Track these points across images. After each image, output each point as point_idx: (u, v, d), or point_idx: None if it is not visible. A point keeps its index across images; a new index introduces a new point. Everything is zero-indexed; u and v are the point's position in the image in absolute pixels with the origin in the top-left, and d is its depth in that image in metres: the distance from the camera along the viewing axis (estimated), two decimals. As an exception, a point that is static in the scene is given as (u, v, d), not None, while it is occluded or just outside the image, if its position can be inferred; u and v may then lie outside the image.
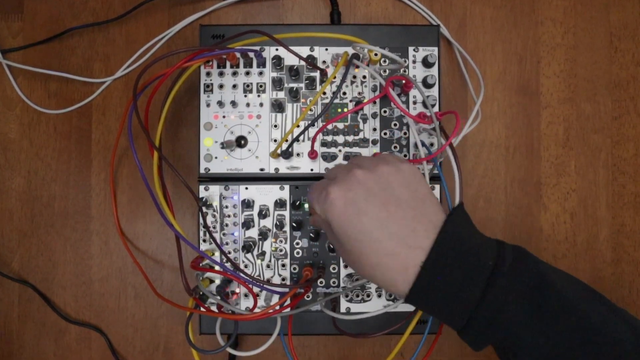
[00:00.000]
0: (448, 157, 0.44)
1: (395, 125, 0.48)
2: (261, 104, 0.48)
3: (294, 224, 0.48)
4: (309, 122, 0.47)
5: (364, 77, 0.48)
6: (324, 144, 0.48)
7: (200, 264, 0.46)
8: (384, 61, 0.48)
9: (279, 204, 0.48)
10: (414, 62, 0.49)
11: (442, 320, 0.37)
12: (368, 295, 0.48)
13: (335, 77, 0.47)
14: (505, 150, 0.55)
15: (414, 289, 0.35)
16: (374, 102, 0.48)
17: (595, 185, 0.55)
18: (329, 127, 0.48)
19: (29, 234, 0.56)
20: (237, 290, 0.48)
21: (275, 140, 0.48)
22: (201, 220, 0.46)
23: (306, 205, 0.48)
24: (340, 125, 0.48)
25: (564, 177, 0.55)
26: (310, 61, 0.48)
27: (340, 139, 0.48)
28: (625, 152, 0.56)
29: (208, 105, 0.48)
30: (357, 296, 0.48)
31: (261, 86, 0.48)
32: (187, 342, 0.44)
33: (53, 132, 0.56)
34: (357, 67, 0.48)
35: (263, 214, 0.48)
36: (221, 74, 0.48)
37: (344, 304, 0.48)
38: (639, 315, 0.44)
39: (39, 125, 0.56)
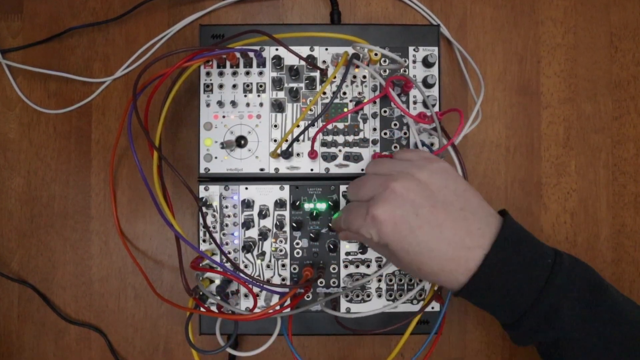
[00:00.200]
0: (449, 156, 0.44)
1: (395, 125, 0.48)
2: (261, 104, 0.48)
3: (294, 224, 0.47)
4: (309, 122, 0.47)
5: (364, 77, 0.48)
6: (324, 143, 0.48)
7: (200, 264, 0.45)
8: (384, 61, 0.48)
9: (279, 204, 0.48)
10: (414, 62, 0.49)
11: (493, 313, 0.38)
12: (368, 296, 0.48)
13: (335, 77, 0.47)
14: (506, 150, 0.55)
15: (472, 283, 0.35)
16: (374, 102, 0.48)
17: (595, 185, 0.55)
18: (329, 127, 0.48)
19: (29, 234, 0.55)
20: (237, 290, 0.48)
21: (275, 140, 0.48)
22: (201, 221, 0.46)
23: (307, 205, 0.48)
24: (340, 125, 0.48)
25: (565, 177, 0.55)
26: (310, 61, 0.48)
27: (340, 139, 0.48)
28: (625, 152, 0.55)
29: (208, 105, 0.48)
30: (357, 296, 0.48)
31: (261, 86, 0.48)
32: (187, 343, 0.44)
33: (53, 132, 0.56)
34: (357, 67, 0.48)
35: (263, 214, 0.48)
36: (221, 74, 0.48)
37: (344, 304, 0.48)
38: None
39: (38, 125, 0.56)
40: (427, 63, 0.48)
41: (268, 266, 0.48)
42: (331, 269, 0.48)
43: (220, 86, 0.48)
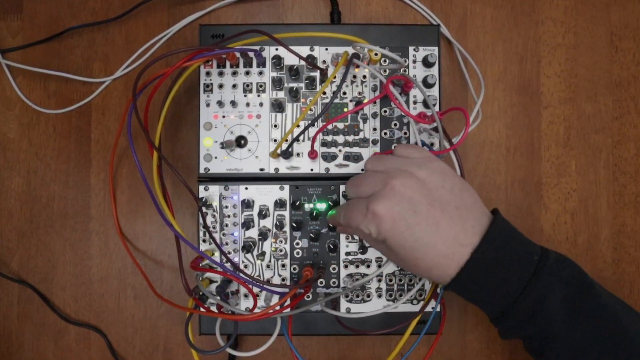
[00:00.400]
0: (448, 155, 0.44)
1: (395, 125, 0.48)
2: (261, 104, 0.48)
3: (293, 224, 0.47)
4: (309, 122, 0.47)
5: (364, 76, 0.48)
6: (324, 143, 0.48)
7: (200, 264, 0.45)
8: (384, 61, 0.48)
9: (279, 204, 0.48)
10: (414, 61, 0.49)
11: (481, 306, 0.40)
12: (368, 296, 0.48)
13: (335, 77, 0.47)
14: (506, 150, 0.55)
15: (461, 276, 0.36)
16: (374, 102, 0.48)
17: (596, 185, 0.55)
18: (329, 127, 0.48)
19: (28, 234, 0.55)
20: (237, 290, 0.48)
21: (275, 140, 0.48)
22: (201, 221, 0.46)
23: (307, 205, 0.48)
24: (340, 125, 0.48)
25: (565, 177, 0.55)
26: (310, 61, 0.48)
27: (340, 138, 0.48)
28: (626, 152, 0.55)
29: (208, 105, 0.48)
30: (357, 296, 0.48)
31: (261, 86, 0.48)
32: (186, 343, 0.44)
33: (52, 132, 0.56)
34: (357, 66, 0.47)
35: (263, 214, 0.48)
36: (221, 74, 0.48)
37: (344, 304, 0.48)
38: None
39: (38, 125, 0.56)
40: (427, 63, 0.48)
41: (268, 266, 0.48)
42: (331, 269, 0.48)
43: (220, 86, 0.48)
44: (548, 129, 0.55)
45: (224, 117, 0.48)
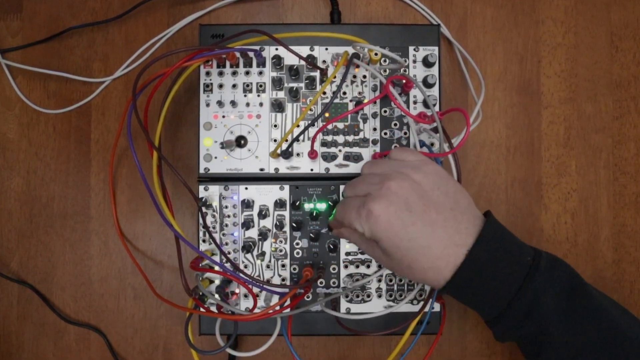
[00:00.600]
0: (447, 159, 0.44)
1: (395, 125, 0.48)
2: (261, 104, 0.48)
3: (293, 224, 0.47)
4: (309, 122, 0.47)
5: (364, 76, 0.48)
6: (324, 143, 0.48)
7: (200, 265, 0.45)
8: (384, 61, 0.48)
9: (279, 204, 0.48)
10: (415, 61, 0.48)
11: (475, 308, 0.40)
12: (368, 296, 0.48)
13: (335, 77, 0.47)
14: (506, 150, 0.55)
15: (455, 279, 0.36)
16: (374, 102, 0.48)
17: (596, 186, 0.55)
18: (329, 127, 0.48)
19: (28, 235, 0.55)
20: (237, 291, 0.48)
21: (275, 140, 0.48)
22: (201, 221, 0.46)
23: (307, 205, 0.48)
24: (340, 125, 0.48)
25: (565, 177, 0.55)
26: (310, 61, 0.48)
27: (340, 138, 0.48)
28: (626, 152, 0.55)
29: (208, 105, 0.48)
30: (357, 297, 0.48)
31: (261, 86, 0.48)
32: (186, 343, 0.44)
33: (52, 132, 0.56)
34: (357, 66, 0.47)
35: (263, 214, 0.48)
36: (221, 74, 0.48)
37: (344, 305, 0.48)
38: (641, 315, 0.44)
39: (38, 125, 0.56)
40: (427, 63, 0.48)
41: (268, 266, 0.48)
42: (331, 269, 0.48)
43: (220, 86, 0.48)
44: (548, 129, 0.55)
45: (224, 117, 0.48)
